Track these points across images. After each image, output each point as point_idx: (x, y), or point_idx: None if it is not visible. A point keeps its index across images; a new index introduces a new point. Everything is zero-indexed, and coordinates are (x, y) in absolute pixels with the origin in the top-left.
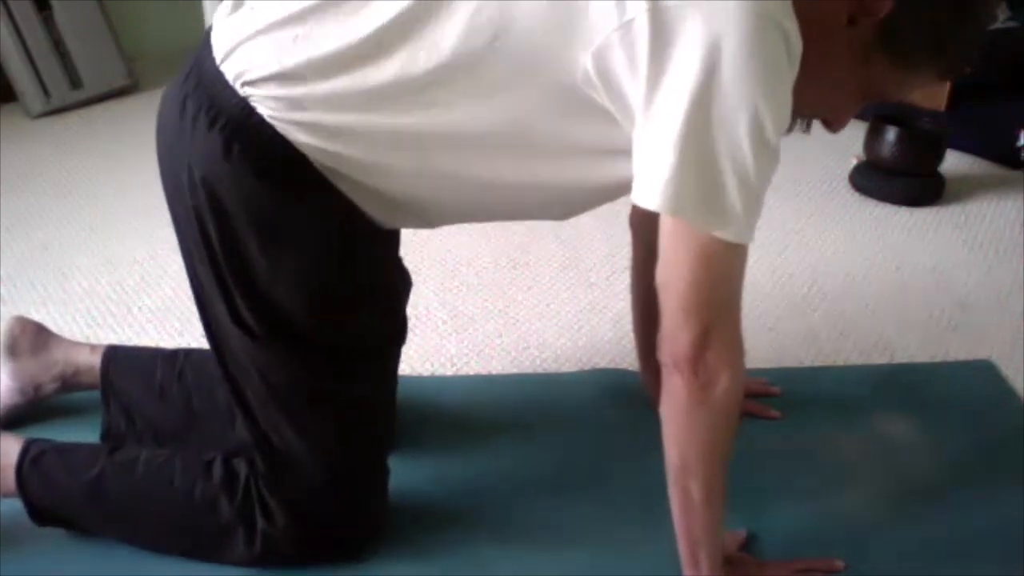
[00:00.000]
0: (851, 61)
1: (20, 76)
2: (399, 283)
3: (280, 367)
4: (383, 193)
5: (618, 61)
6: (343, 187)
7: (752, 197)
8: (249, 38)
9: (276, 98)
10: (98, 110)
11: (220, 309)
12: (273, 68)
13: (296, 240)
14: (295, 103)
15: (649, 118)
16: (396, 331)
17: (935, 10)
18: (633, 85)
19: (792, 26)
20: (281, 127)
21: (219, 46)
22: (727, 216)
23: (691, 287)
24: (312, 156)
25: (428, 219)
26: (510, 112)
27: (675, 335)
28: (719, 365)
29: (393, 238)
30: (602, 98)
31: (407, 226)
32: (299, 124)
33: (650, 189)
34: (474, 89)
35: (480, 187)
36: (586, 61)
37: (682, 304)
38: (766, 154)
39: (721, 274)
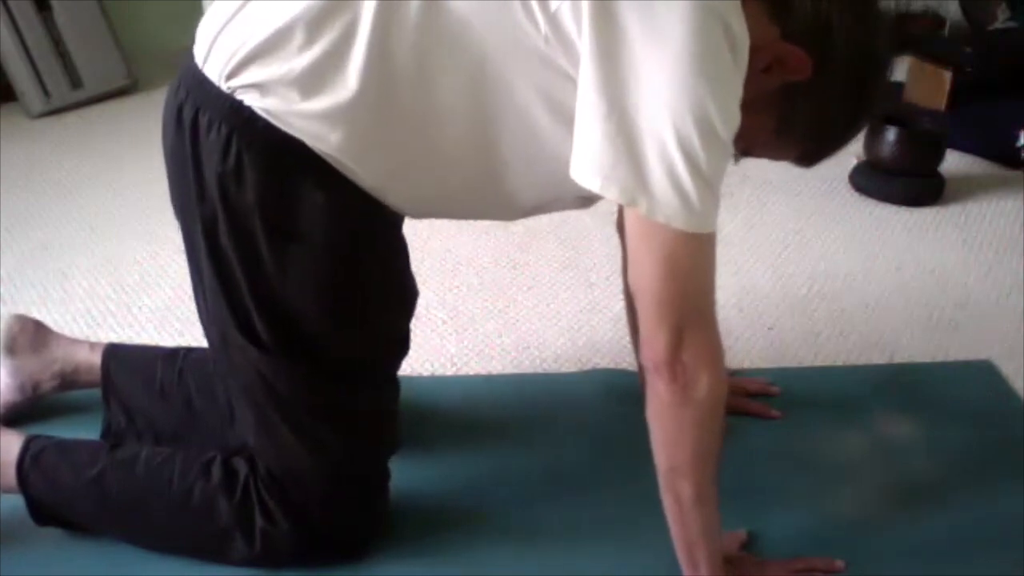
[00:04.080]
0: (743, 103)
1: (20, 76)
2: (409, 290)
3: (287, 379)
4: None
5: (568, 23)
6: (347, 173)
7: (705, 185)
8: (220, 30)
9: (258, 85)
10: (98, 110)
11: (228, 321)
12: (247, 48)
13: (305, 235)
14: (275, 86)
15: (588, 89)
16: (402, 341)
17: (834, 110)
18: (580, 45)
19: (739, 26)
20: (271, 119)
21: (199, 51)
22: (681, 204)
23: (658, 288)
24: (309, 143)
25: (408, 210)
26: (485, 83)
27: (651, 339)
28: (697, 365)
29: (403, 242)
30: (563, 61)
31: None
32: (286, 113)
33: (592, 169)
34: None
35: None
36: (545, 23)
37: (653, 306)
38: (716, 144)
39: (687, 272)
